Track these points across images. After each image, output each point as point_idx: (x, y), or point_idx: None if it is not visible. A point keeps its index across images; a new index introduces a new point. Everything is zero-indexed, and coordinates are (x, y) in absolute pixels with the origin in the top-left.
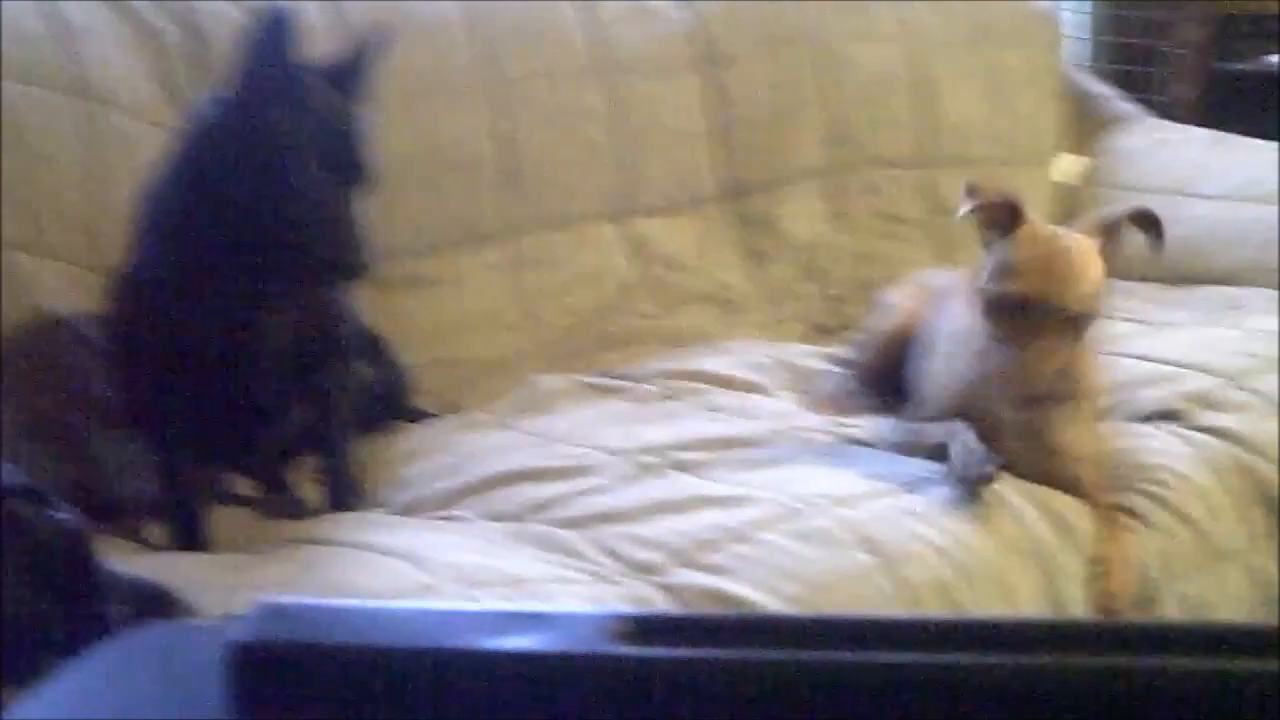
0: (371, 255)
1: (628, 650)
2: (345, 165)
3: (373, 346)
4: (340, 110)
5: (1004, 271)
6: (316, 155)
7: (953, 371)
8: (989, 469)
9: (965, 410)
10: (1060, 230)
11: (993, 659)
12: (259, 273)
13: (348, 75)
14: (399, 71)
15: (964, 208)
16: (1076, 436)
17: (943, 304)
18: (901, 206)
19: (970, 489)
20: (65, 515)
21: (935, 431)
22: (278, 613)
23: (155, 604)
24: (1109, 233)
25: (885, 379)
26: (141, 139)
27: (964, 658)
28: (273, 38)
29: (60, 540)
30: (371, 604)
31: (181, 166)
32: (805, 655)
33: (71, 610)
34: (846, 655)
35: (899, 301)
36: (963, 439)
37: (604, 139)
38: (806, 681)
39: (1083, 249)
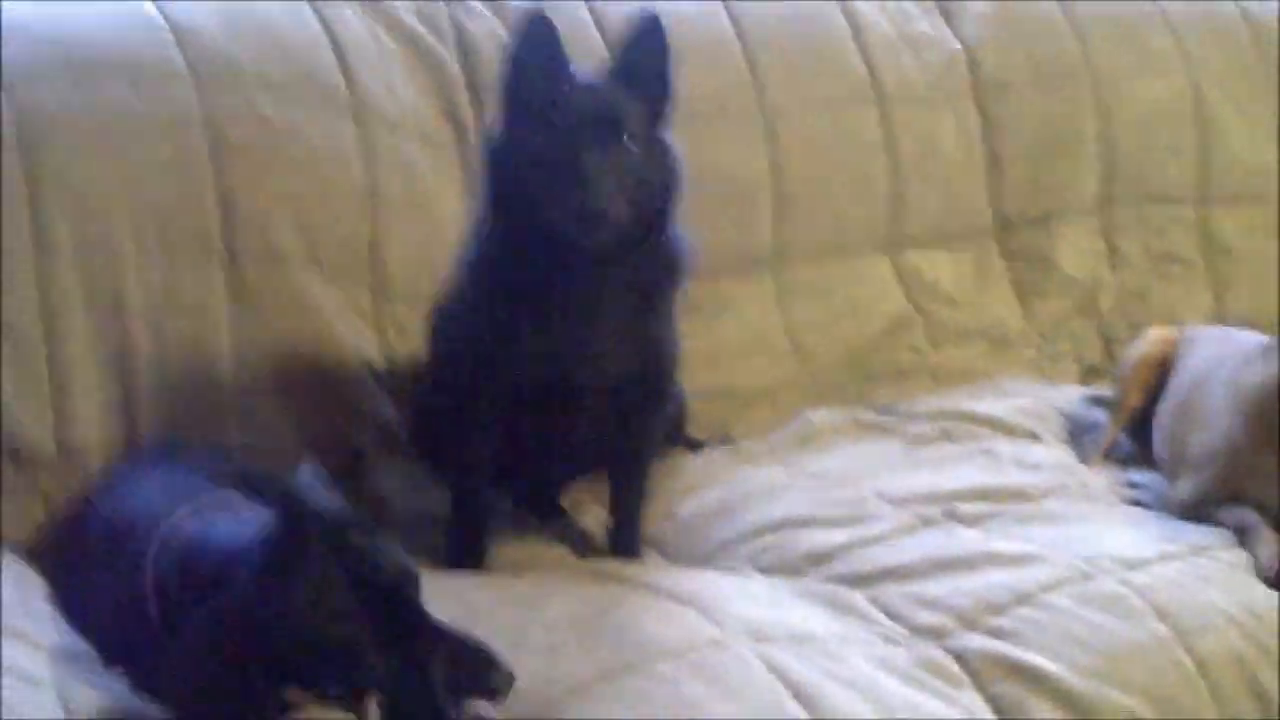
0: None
1: None
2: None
3: None
4: (609, 106)
5: None
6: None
7: (1229, 442)
8: None
9: (1245, 489)
10: None
11: None
12: (589, 284)
13: (629, 70)
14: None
15: None
16: None
17: (1203, 357)
18: (1178, 245)
19: None
20: (401, 554)
21: (1225, 518)
22: None
23: (475, 665)
24: None
25: (1144, 424)
26: (416, 159)
27: None
28: (534, 48)
29: (398, 580)
30: None
31: (487, 194)
32: None
33: (396, 655)
34: None
35: (1149, 348)
36: (1262, 537)
37: (876, 169)
38: None
39: None
